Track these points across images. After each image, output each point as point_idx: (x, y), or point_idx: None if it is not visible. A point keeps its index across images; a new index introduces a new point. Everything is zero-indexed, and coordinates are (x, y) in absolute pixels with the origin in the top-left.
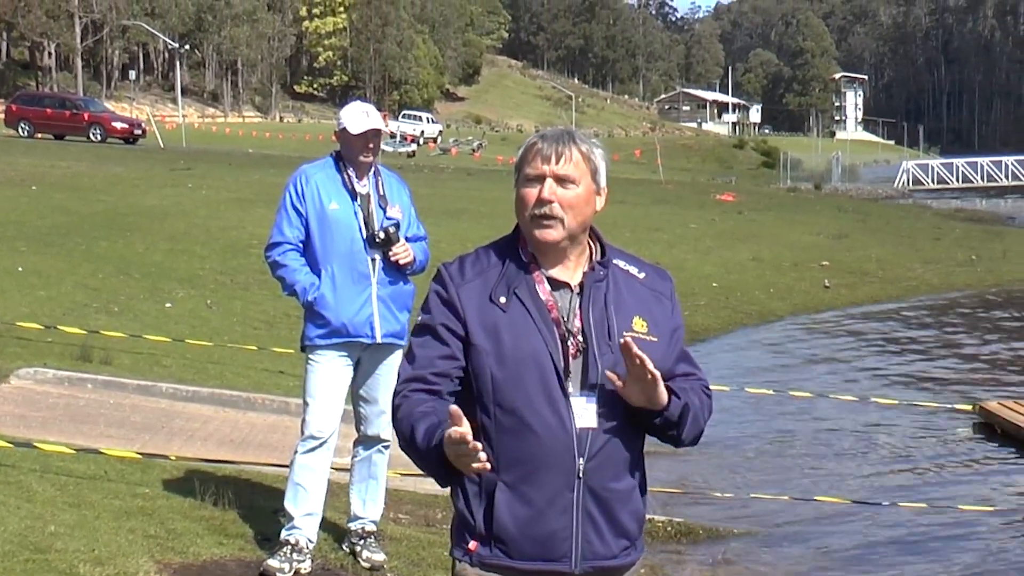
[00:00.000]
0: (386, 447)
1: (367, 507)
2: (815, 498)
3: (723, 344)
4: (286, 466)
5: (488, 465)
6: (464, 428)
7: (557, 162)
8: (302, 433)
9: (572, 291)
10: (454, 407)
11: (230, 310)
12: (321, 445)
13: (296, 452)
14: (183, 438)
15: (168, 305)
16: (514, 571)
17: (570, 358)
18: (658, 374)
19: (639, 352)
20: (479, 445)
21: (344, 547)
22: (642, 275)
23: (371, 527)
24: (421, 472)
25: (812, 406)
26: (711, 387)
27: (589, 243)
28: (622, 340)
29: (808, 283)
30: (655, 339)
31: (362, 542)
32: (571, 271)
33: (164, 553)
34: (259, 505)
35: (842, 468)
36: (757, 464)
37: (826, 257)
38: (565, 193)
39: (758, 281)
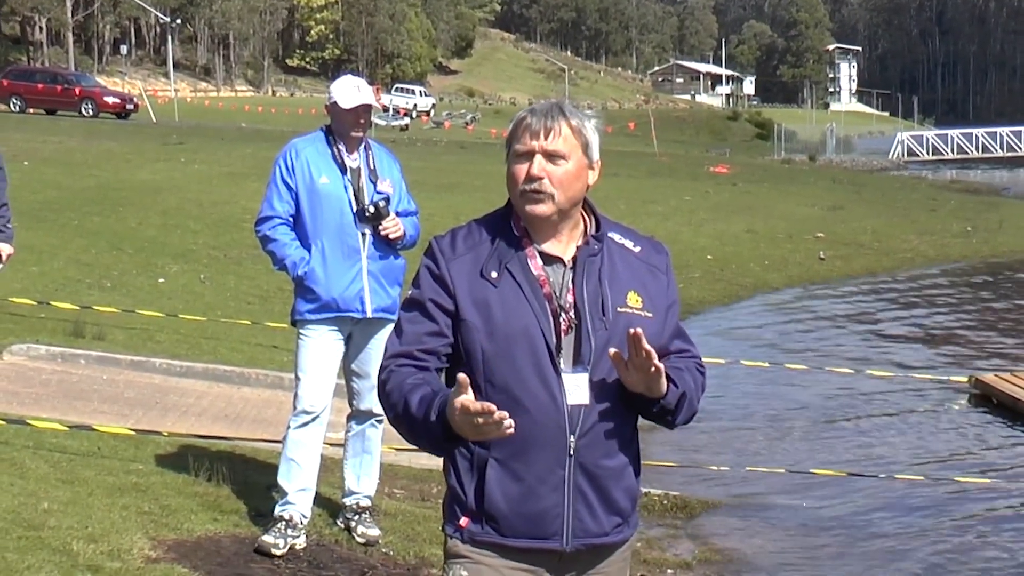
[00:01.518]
0: (379, 422)
1: (361, 482)
2: (811, 471)
3: (718, 316)
4: (280, 442)
5: (512, 429)
6: (470, 397)
7: (546, 137)
8: (294, 408)
9: (565, 266)
10: (462, 375)
11: (223, 285)
12: (313, 420)
13: (289, 427)
14: (177, 414)
15: (161, 280)
16: (505, 548)
17: (562, 334)
18: (662, 367)
19: (648, 346)
20: (504, 413)
21: (339, 522)
22: (637, 248)
23: (366, 502)
24: (415, 447)
25: (807, 378)
26: (705, 360)
27: (584, 217)
28: (632, 332)
29: (803, 255)
30: (650, 315)
31: (357, 517)
32: (564, 245)
33: (158, 530)
34: (253, 481)
35: (837, 440)
36: (753, 437)
37: (821, 229)
38: (555, 169)
39: (753, 253)
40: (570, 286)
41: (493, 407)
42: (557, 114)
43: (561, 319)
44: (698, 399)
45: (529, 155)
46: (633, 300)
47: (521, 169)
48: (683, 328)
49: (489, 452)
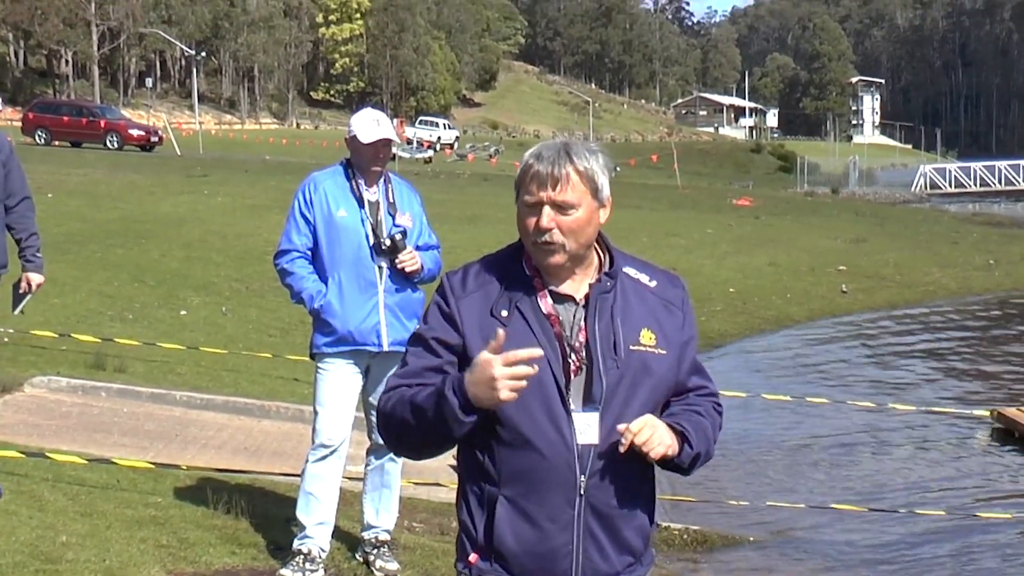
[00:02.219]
0: (398, 455)
1: (380, 516)
2: (831, 505)
3: (740, 350)
4: (299, 475)
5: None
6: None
7: (554, 188)
8: (313, 442)
9: (577, 304)
10: (501, 330)
11: (245, 317)
12: (332, 453)
13: (307, 461)
14: (197, 446)
15: (183, 312)
16: None
17: (571, 373)
18: (664, 447)
19: (641, 439)
20: (535, 351)
21: (357, 556)
22: (653, 283)
23: (384, 536)
24: (435, 480)
25: (829, 412)
26: (726, 394)
27: (598, 252)
28: (621, 429)
29: (825, 288)
30: (664, 351)
31: (375, 551)
32: (577, 284)
33: (176, 563)
34: (272, 514)
35: (859, 475)
36: (773, 471)
37: (843, 262)
38: (565, 219)
39: (775, 286)
40: (582, 324)
41: (527, 352)
42: (564, 160)
43: (572, 358)
44: (715, 441)
45: (538, 206)
46: (646, 337)
47: (531, 222)
48: (701, 363)
49: (499, 489)
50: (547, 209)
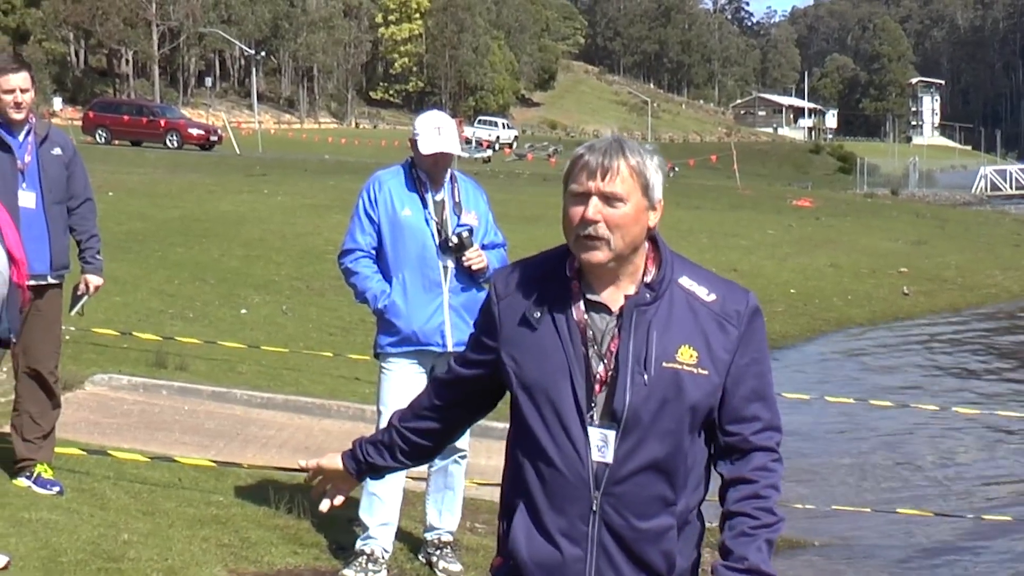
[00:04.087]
0: (463, 457)
1: (443, 517)
2: (897, 510)
3: (802, 351)
4: None
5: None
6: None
7: (603, 178)
8: None
9: (612, 313)
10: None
11: (305, 316)
12: None
13: None
14: (258, 445)
15: (243, 311)
16: None
17: (595, 386)
18: None
19: None
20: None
21: (420, 557)
22: (711, 297)
23: (447, 537)
24: (498, 481)
25: (893, 415)
26: (788, 396)
27: (650, 260)
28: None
29: (886, 290)
30: (704, 372)
31: (438, 552)
32: (617, 292)
33: (238, 562)
34: (334, 514)
35: (924, 479)
36: (838, 474)
37: (904, 264)
38: (612, 212)
39: (836, 288)
40: (615, 333)
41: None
42: (616, 152)
43: (599, 370)
44: (778, 523)
45: (585, 197)
46: (685, 355)
47: (576, 212)
48: (768, 390)
49: (518, 498)
50: (594, 200)
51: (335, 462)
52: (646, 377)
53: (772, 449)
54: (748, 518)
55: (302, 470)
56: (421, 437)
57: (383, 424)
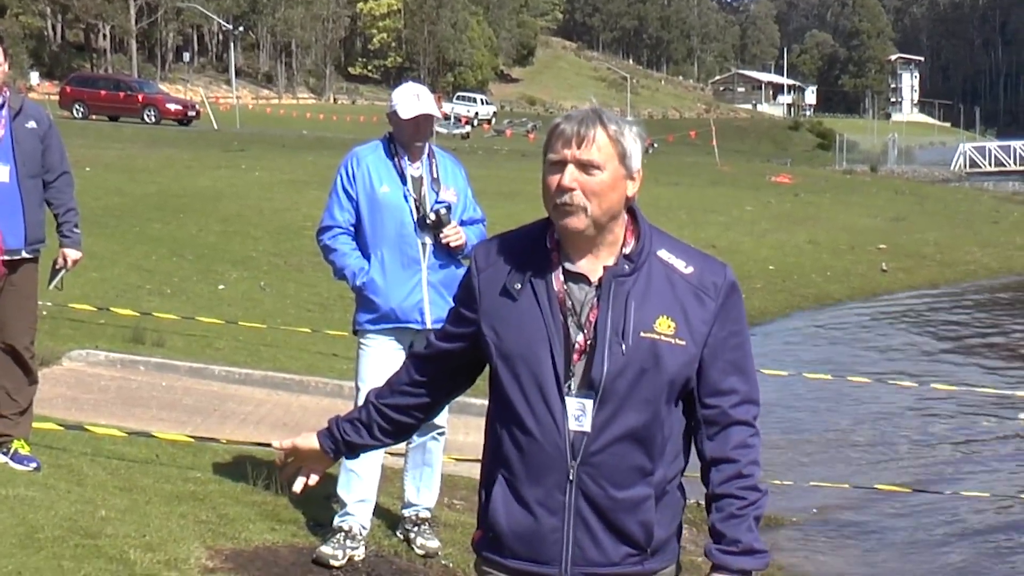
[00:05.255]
0: (441, 434)
1: (421, 494)
2: (875, 486)
3: (780, 328)
4: None
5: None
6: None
7: (579, 146)
8: None
9: (591, 285)
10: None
11: (283, 292)
12: None
13: None
14: (236, 421)
15: (221, 287)
16: (504, 568)
17: (573, 355)
18: None
19: None
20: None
21: (398, 534)
22: (689, 270)
23: (425, 514)
24: (476, 457)
25: (870, 391)
26: (766, 373)
27: (629, 231)
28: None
29: (865, 266)
30: (682, 342)
31: (416, 529)
32: (596, 262)
33: (216, 539)
34: (312, 491)
35: (901, 455)
36: (815, 450)
37: (883, 240)
38: (588, 179)
39: (815, 264)
40: (594, 303)
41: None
42: (593, 121)
43: (578, 340)
44: (762, 500)
45: (562, 165)
46: (663, 325)
47: (553, 180)
48: (747, 363)
49: (497, 468)
50: (571, 168)
51: (310, 441)
52: (624, 347)
53: (750, 423)
54: (735, 499)
55: (278, 450)
56: (400, 413)
57: (361, 399)
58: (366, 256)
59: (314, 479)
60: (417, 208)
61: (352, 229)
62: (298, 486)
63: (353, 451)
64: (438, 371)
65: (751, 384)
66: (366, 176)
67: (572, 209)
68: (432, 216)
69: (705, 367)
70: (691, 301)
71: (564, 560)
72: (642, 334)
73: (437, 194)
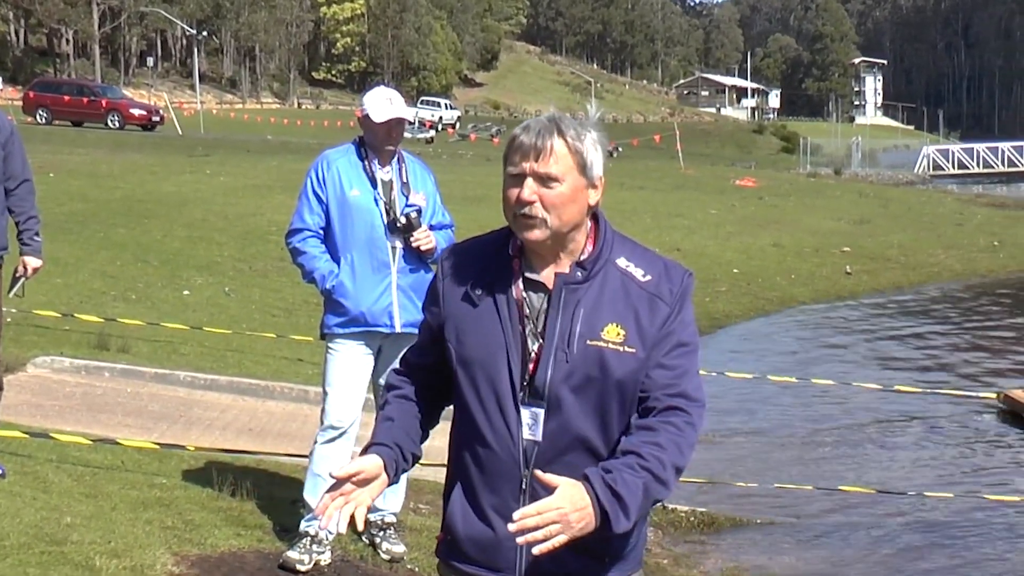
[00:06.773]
0: None
1: (387, 499)
2: (839, 488)
3: (744, 331)
4: (305, 456)
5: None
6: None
7: (538, 159)
8: (321, 423)
9: (547, 292)
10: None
11: (248, 297)
12: (340, 435)
13: (315, 442)
14: (201, 427)
15: (186, 293)
16: (461, 573)
17: (529, 365)
18: (585, 527)
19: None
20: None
21: (364, 539)
22: (646, 278)
23: (391, 519)
24: (441, 462)
25: (835, 394)
26: (732, 375)
27: (590, 240)
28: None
29: (829, 269)
30: (631, 350)
31: (382, 533)
32: (558, 269)
33: (181, 545)
34: (278, 496)
35: (866, 457)
36: (781, 453)
37: (847, 243)
38: (547, 192)
39: (779, 267)
40: (545, 314)
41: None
42: (551, 132)
43: (533, 349)
44: (680, 468)
45: (521, 177)
46: (611, 333)
47: (513, 193)
48: (691, 365)
49: (457, 475)
50: (529, 181)
51: (375, 462)
52: (568, 355)
53: (687, 412)
54: (638, 456)
55: (335, 477)
56: (425, 388)
57: (329, 404)
58: (336, 259)
59: (362, 512)
60: (387, 212)
61: (321, 232)
62: (360, 517)
63: (406, 462)
64: (428, 378)
65: (694, 385)
66: (336, 179)
67: (533, 222)
68: (403, 220)
69: (649, 363)
70: (644, 308)
71: (519, 567)
72: (588, 342)
73: (407, 198)
